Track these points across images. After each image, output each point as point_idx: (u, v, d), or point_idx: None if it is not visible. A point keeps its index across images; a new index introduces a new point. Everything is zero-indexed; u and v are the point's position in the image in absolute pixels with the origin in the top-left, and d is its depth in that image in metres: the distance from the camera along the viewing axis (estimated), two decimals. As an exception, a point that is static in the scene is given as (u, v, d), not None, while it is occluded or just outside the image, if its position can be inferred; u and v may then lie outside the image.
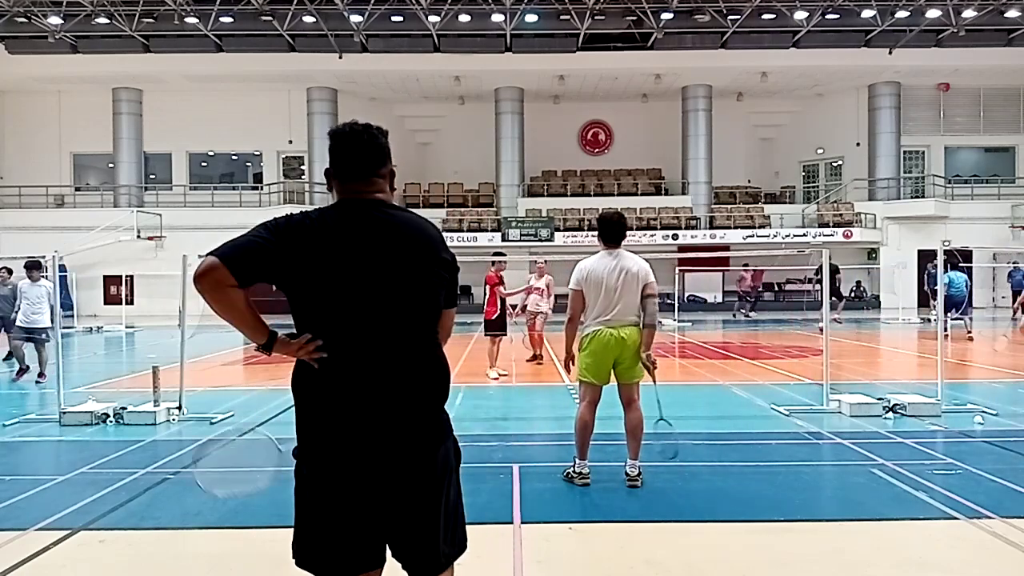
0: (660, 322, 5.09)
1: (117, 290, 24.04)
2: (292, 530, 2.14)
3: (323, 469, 2.05)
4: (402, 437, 2.07)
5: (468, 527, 2.30)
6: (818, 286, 17.67)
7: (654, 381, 4.98)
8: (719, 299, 27.63)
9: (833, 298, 18.21)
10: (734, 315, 23.83)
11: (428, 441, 2.12)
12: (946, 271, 16.50)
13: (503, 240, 26.58)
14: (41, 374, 10.11)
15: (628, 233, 20.99)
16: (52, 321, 9.34)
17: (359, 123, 2.21)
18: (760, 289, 26.19)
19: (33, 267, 10.10)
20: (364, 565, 2.10)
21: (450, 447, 2.20)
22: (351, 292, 2.05)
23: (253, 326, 2.06)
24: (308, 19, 24.60)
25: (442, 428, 2.18)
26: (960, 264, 15.93)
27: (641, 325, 4.91)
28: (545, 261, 11.90)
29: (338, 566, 2.08)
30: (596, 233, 5.16)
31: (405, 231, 2.14)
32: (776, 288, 28.49)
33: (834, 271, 18.44)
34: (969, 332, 16.03)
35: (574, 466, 5.00)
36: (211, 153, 30.87)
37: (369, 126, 2.21)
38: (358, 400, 2.04)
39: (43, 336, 10.07)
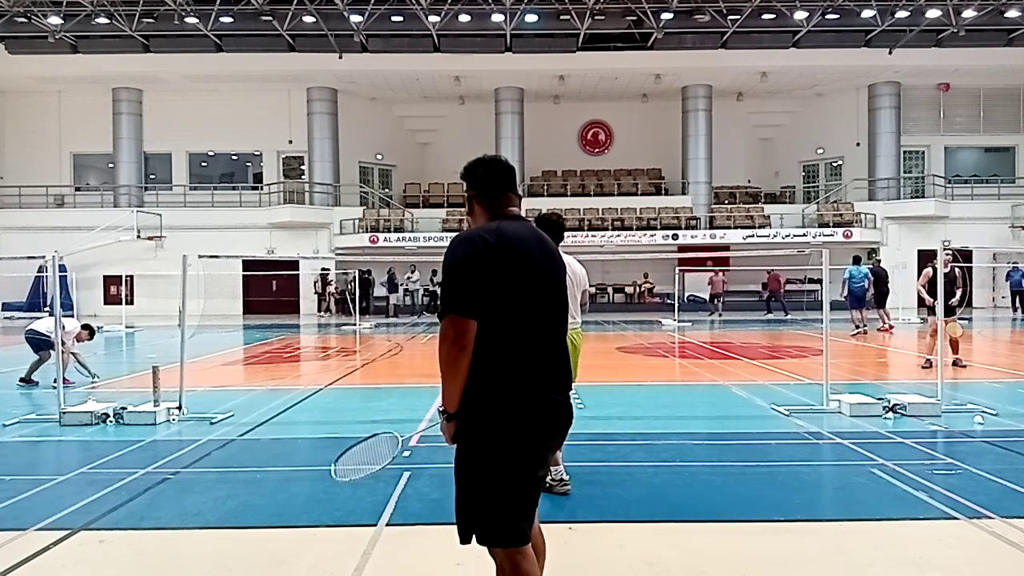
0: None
1: (117, 290, 24.06)
2: (476, 516, 2.43)
3: (515, 446, 2.39)
4: (568, 414, 2.55)
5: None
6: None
7: None
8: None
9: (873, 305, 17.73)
10: (710, 314, 24.29)
11: (569, 416, 2.59)
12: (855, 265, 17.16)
13: (503, 240, 26.52)
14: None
15: (628, 233, 21.21)
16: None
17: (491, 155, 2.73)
18: (782, 292, 26.12)
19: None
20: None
21: None
22: (544, 292, 2.51)
23: (462, 391, 2.39)
24: (308, 19, 24.59)
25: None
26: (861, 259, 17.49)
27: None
28: None
29: (526, 531, 2.46)
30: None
31: (551, 244, 2.68)
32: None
33: (884, 277, 17.83)
34: (860, 328, 16.68)
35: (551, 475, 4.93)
36: (211, 153, 30.85)
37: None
38: (548, 383, 2.47)
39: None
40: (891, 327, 17.44)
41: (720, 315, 24.06)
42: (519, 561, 2.45)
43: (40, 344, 9.74)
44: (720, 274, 24.93)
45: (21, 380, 9.82)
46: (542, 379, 2.44)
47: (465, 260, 2.34)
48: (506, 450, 2.36)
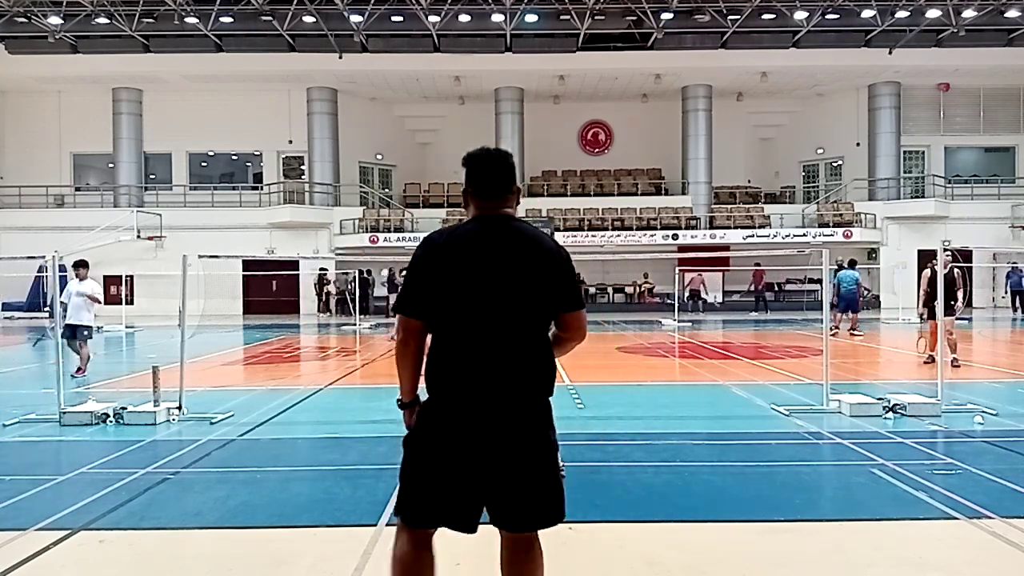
0: None
1: (117, 290, 24.04)
2: (398, 492, 2.51)
3: (442, 441, 2.41)
4: (512, 420, 2.42)
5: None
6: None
7: None
8: (719, 299, 27.65)
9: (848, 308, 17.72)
10: (691, 311, 25.27)
11: (534, 424, 2.46)
12: (840, 270, 17.15)
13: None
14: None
15: (628, 233, 21.23)
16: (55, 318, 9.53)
17: (494, 148, 2.64)
18: (762, 289, 26.46)
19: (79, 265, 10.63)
20: (459, 524, 2.44)
21: (551, 433, 2.53)
22: (482, 295, 2.41)
23: (414, 382, 2.53)
24: (308, 19, 24.59)
25: (547, 415, 2.51)
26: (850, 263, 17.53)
27: None
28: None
29: (435, 518, 2.45)
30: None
31: (529, 242, 2.49)
32: (776, 288, 28.48)
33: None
34: (842, 329, 16.79)
35: None
36: (211, 153, 30.85)
37: (501, 151, 2.64)
38: (479, 386, 2.40)
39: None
40: (837, 330, 17.18)
41: (700, 311, 24.75)
42: (401, 538, 2.51)
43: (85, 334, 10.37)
44: (700, 274, 26.02)
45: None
46: (475, 382, 2.40)
47: (414, 260, 2.46)
48: (422, 435, 2.46)
